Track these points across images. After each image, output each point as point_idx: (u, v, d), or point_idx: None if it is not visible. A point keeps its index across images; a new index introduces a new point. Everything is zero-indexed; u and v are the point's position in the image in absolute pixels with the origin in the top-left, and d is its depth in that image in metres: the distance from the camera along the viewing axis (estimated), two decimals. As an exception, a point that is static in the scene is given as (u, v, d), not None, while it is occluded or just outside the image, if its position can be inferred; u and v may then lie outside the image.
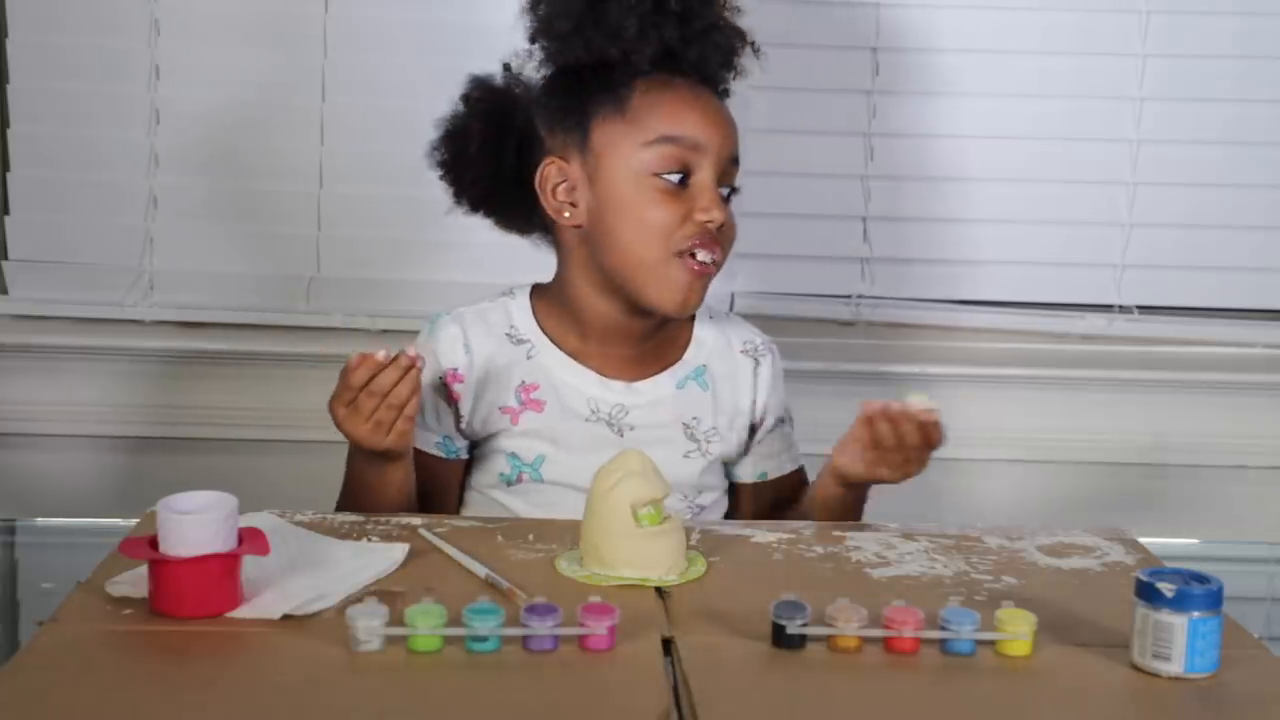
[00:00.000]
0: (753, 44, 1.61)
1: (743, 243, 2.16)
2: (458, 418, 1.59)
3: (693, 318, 1.64)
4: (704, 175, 1.53)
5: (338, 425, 1.45)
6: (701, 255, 1.52)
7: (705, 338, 1.64)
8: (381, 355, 1.41)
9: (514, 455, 1.58)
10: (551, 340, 1.60)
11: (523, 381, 1.58)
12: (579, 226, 1.56)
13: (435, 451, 1.59)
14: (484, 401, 1.58)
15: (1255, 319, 2.25)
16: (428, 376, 1.57)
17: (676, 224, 1.52)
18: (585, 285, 1.58)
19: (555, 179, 1.57)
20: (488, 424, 1.59)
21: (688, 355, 1.63)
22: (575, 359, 1.59)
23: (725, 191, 1.55)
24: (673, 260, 1.52)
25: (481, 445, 1.61)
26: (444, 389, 1.58)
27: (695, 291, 1.54)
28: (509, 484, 1.59)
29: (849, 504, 1.56)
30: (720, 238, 1.54)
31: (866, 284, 2.21)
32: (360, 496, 1.51)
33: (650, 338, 1.61)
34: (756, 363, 1.65)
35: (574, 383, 1.58)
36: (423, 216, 2.15)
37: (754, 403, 1.65)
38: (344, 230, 2.16)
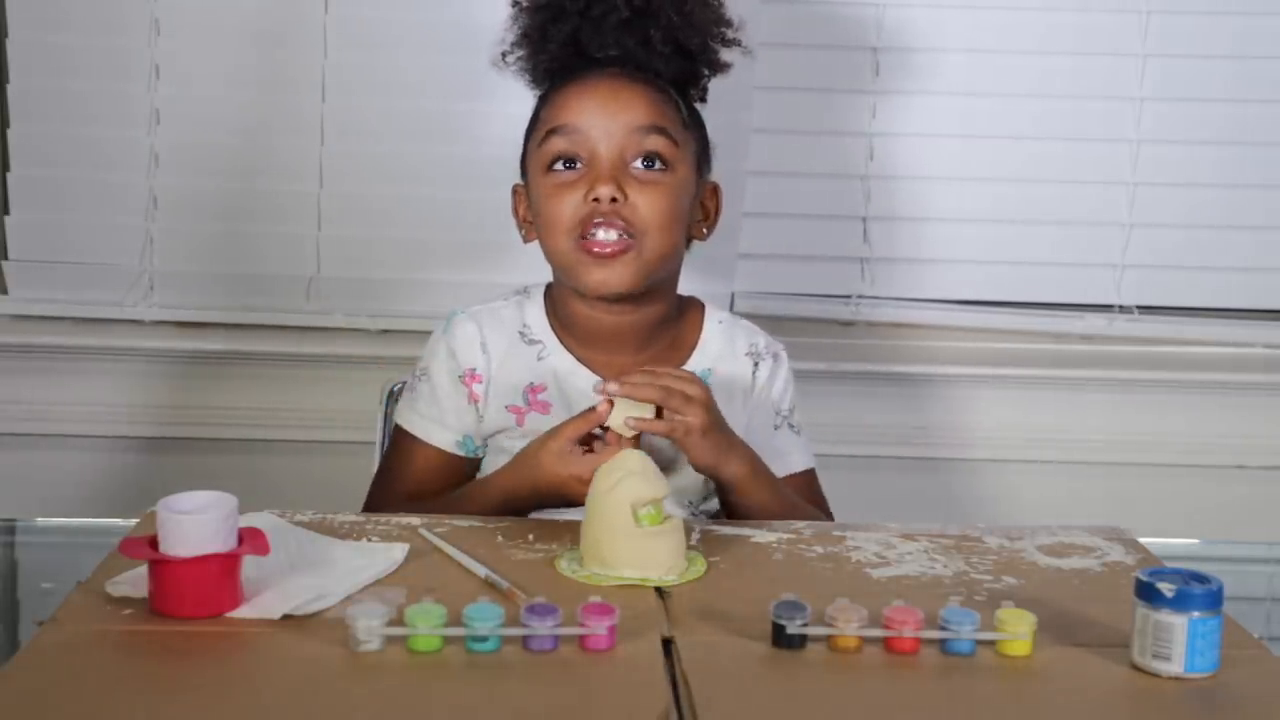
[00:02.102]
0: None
1: (743, 243, 2.20)
2: (478, 417, 1.59)
3: (702, 321, 1.63)
4: (595, 154, 1.52)
5: (554, 466, 1.45)
6: (601, 235, 1.51)
7: (711, 342, 1.63)
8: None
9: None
10: (563, 342, 1.60)
11: (531, 383, 1.58)
12: (537, 240, 1.59)
13: (456, 450, 1.59)
14: (495, 400, 1.59)
15: (1255, 319, 2.25)
16: (447, 372, 1.58)
17: (577, 211, 1.52)
18: (561, 291, 1.60)
19: (518, 203, 1.62)
20: (495, 422, 1.59)
21: (693, 360, 1.61)
22: (584, 363, 1.59)
23: (643, 164, 1.53)
24: (579, 245, 1.52)
25: (487, 442, 1.61)
26: (464, 388, 1.58)
27: (605, 271, 1.52)
28: (511, 483, 1.59)
29: (733, 500, 1.52)
30: (623, 210, 1.51)
31: (866, 284, 2.21)
32: (470, 508, 1.49)
33: (652, 341, 1.60)
34: (756, 366, 1.64)
35: (582, 386, 1.57)
36: (423, 216, 2.16)
37: (743, 408, 1.62)
38: (344, 230, 2.16)
